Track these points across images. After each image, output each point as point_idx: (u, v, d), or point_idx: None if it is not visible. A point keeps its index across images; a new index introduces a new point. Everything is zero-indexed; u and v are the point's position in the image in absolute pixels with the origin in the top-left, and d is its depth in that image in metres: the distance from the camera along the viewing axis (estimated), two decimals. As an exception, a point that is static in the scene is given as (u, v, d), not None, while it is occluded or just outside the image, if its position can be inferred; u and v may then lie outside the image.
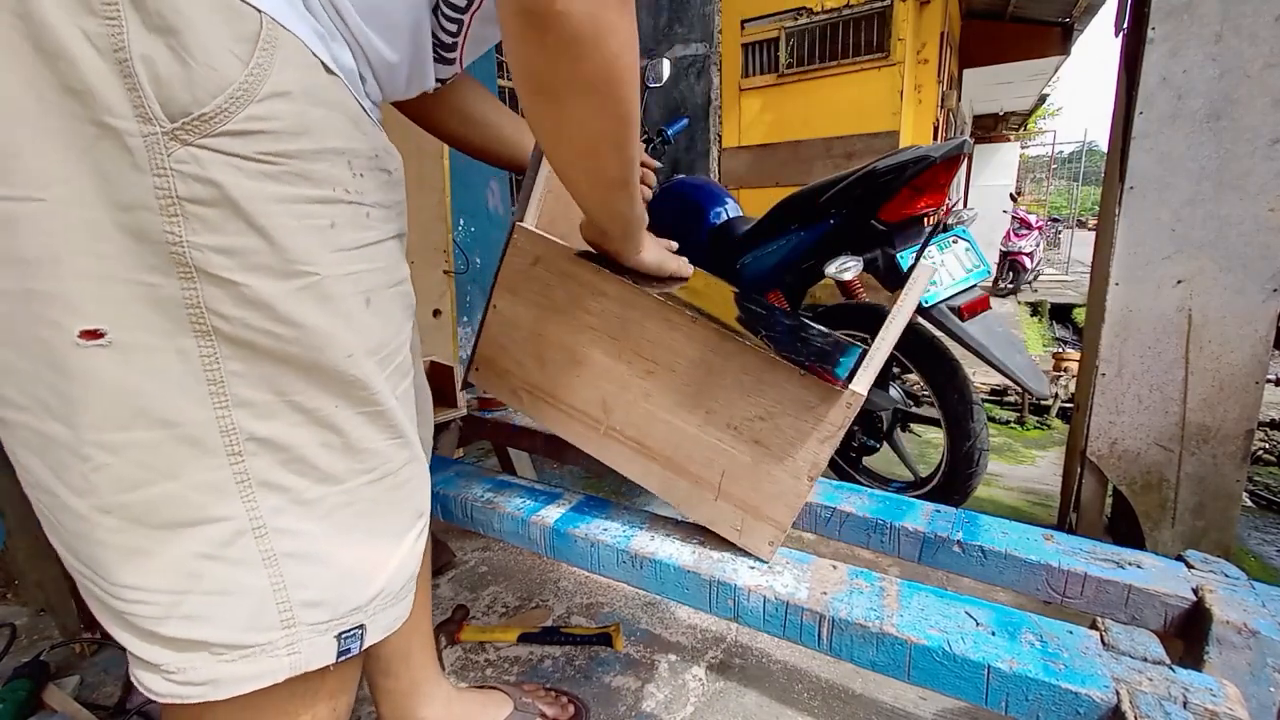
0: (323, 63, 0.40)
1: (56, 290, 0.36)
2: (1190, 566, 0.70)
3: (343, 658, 0.48)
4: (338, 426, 0.45)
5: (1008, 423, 2.42)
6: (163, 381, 0.39)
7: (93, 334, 0.36)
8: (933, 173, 1.40)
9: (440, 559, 1.41)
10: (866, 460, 1.77)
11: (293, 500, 0.44)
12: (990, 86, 8.46)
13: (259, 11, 0.36)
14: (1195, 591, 0.65)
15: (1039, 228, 7.26)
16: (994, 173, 10.28)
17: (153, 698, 0.44)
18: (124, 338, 0.37)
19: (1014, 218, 7.26)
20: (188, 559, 0.41)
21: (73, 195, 0.35)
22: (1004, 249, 7.15)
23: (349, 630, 0.48)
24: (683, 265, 0.74)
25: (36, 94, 0.34)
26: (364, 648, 0.49)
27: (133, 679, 0.45)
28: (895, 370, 1.66)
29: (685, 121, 1.84)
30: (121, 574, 0.41)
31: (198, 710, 0.45)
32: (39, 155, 0.34)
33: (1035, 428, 2.38)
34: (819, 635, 0.64)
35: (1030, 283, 7.36)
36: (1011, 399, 2.64)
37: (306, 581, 0.45)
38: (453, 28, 0.53)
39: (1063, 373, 2.73)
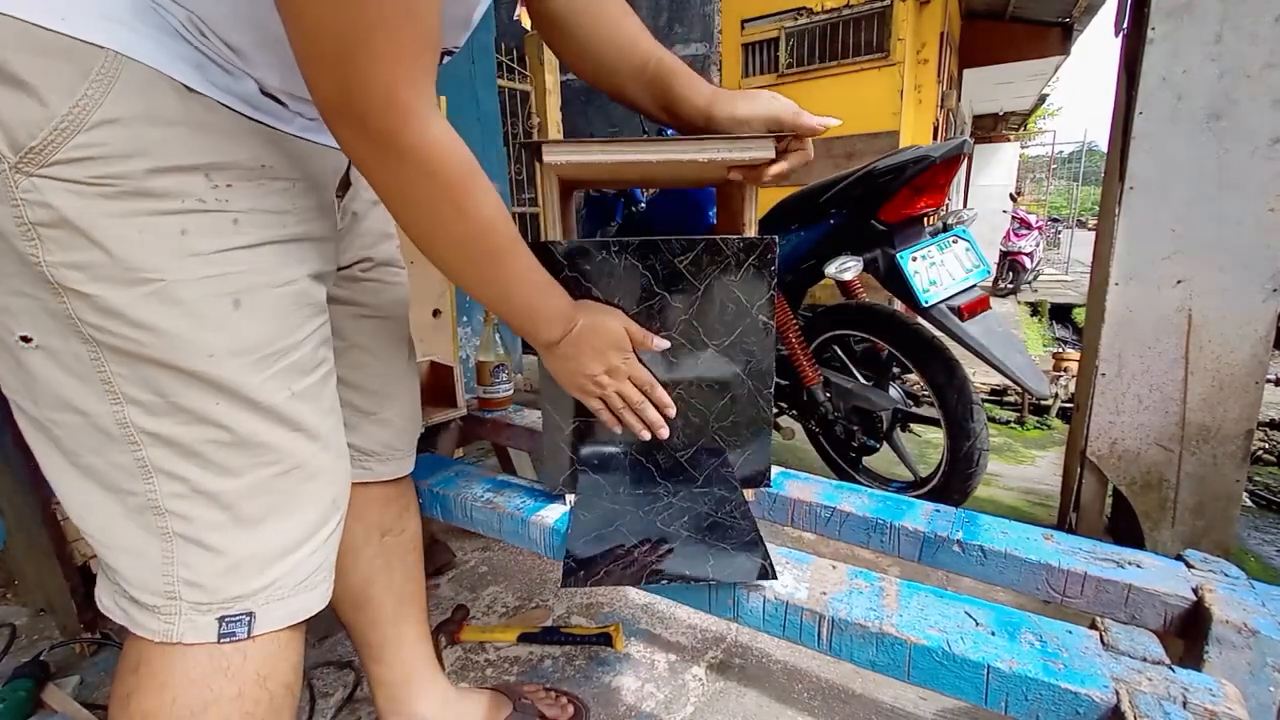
0: (185, 85, 0.44)
1: (5, 304, 0.44)
2: (1190, 566, 0.70)
3: (225, 640, 0.50)
4: (222, 423, 0.48)
5: (1008, 423, 2.42)
6: (73, 378, 0.45)
7: (26, 339, 0.44)
8: (932, 173, 1.40)
9: (440, 559, 1.41)
10: (866, 460, 1.78)
11: (192, 489, 0.48)
12: (990, 86, 8.45)
13: (100, 49, 0.40)
14: (1195, 591, 0.65)
15: (1039, 228, 7.26)
16: (994, 173, 10.28)
17: (99, 606, 0.53)
18: (43, 342, 0.44)
19: (1014, 218, 7.26)
20: (116, 517, 0.48)
21: None
22: (1004, 249, 7.15)
23: (234, 615, 0.50)
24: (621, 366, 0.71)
25: None
26: (253, 634, 0.51)
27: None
28: (895, 370, 1.66)
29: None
30: (87, 521, 0.49)
31: (127, 672, 0.52)
32: None
33: (1035, 428, 2.38)
34: (819, 635, 0.64)
35: (1030, 283, 7.36)
36: (1011, 399, 2.64)
37: (192, 563, 0.49)
38: None
39: (1063, 373, 2.73)
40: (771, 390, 0.80)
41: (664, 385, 0.79)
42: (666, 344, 0.74)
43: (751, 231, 0.76)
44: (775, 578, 0.66)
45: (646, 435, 0.76)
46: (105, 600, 0.52)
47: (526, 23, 3.87)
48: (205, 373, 0.46)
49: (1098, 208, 2.26)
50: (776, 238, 0.75)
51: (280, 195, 0.51)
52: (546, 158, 0.65)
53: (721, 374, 0.79)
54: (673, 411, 0.76)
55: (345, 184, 0.64)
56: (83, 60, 0.40)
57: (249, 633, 0.51)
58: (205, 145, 0.45)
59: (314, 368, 0.55)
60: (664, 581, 0.66)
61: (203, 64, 0.45)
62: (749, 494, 0.85)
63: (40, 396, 0.46)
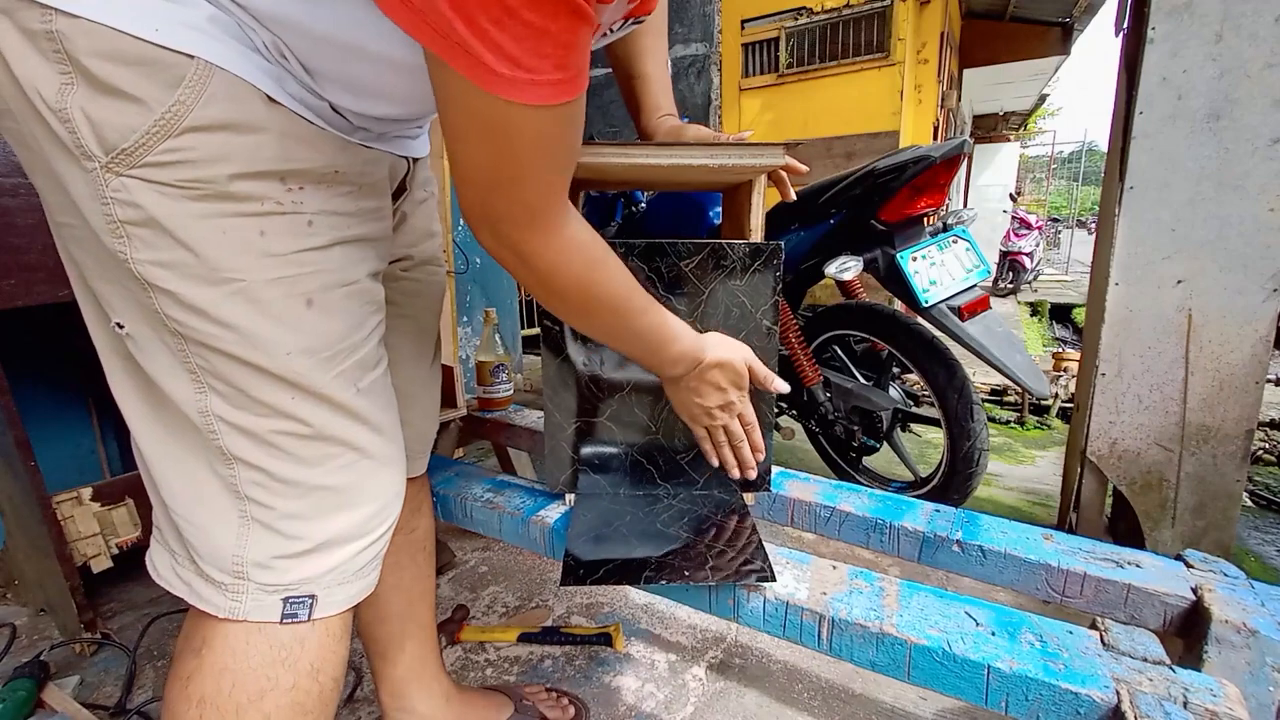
0: (266, 95, 0.45)
1: (97, 288, 0.48)
2: (1190, 566, 0.70)
3: (288, 620, 0.52)
4: (300, 417, 0.50)
5: (1008, 423, 2.42)
6: (164, 367, 0.48)
7: (120, 326, 0.48)
8: (933, 173, 1.39)
9: (440, 559, 1.41)
10: (866, 460, 1.78)
11: (270, 477, 0.50)
12: (990, 86, 8.45)
13: (191, 58, 0.42)
14: (1195, 591, 0.65)
15: (1039, 228, 7.26)
16: (994, 173, 10.28)
17: (153, 575, 0.55)
18: (134, 330, 0.47)
19: (1014, 218, 7.26)
20: (198, 492, 0.51)
21: (81, 222, 0.45)
22: (1004, 249, 7.15)
23: (297, 597, 0.53)
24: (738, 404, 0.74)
25: (42, 146, 0.43)
26: (314, 616, 0.53)
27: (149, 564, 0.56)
28: (895, 370, 1.66)
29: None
30: (167, 481, 0.52)
31: (189, 654, 0.53)
32: (62, 192, 0.44)
33: (1035, 428, 2.38)
34: (819, 635, 0.64)
35: (1030, 283, 7.36)
36: (1011, 399, 2.64)
37: (265, 546, 0.51)
38: None
39: (1063, 373, 2.73)
40: (773, 394, 0.80)
41: (662, 390, 0.79)
42: (787, 387, 0.76)
43: (757, 236, 0.76)
44: (774, 580, 0.66)
45: (736, 474, 0.78)
46: (163, 570, 0.54)
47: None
48: (282, 368, 0.48)
49: (1098, 208, 2.26)
50: (782, 243, 0.76)
51: (346, 198, 0.53)
52: None
53: None
54: (763, 455, 0.78)
55: (401, 188, 0.66)
56: (175, 69, 0.41)
57: (309, 615, 0.53)
58: (285, 151, 0.47)
59: (376, 364, 0.57)
60: (664, 582, 0.66)
61: (282, 78, 0.47)
62: (749, 497, 0.85)
63: (140, 375, 0.49)
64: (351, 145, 0.54)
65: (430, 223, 0.76)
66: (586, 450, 0.82)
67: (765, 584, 0.67)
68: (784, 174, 0.75)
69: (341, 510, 0.54)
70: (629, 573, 0.68)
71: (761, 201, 0.76)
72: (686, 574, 0.67)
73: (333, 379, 0.52)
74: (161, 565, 0.55)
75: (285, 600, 0.52)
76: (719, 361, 0.70)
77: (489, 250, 0.52)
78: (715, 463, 0.78)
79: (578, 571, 0.68)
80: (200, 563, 0.52)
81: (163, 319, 0.46)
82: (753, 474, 0.78)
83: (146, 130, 0.41)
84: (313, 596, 0.53)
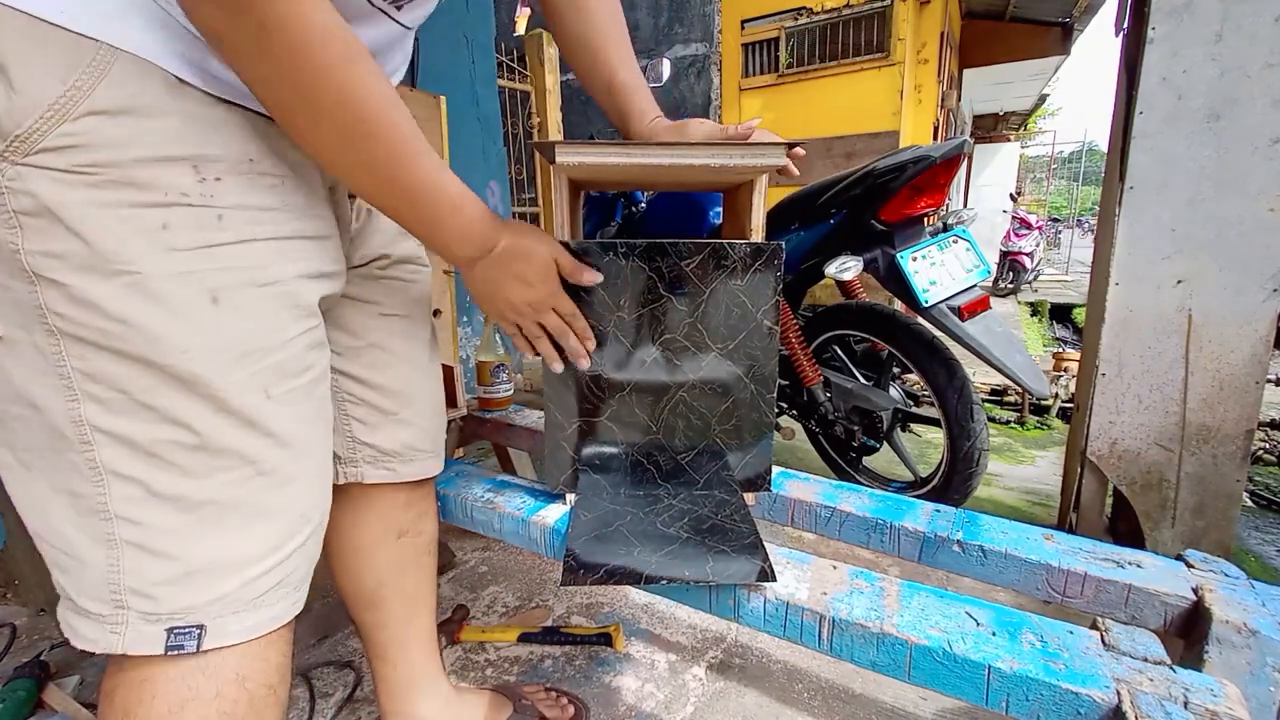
0: (176, 77, 0.44)
1: None
2: (1190, 566, 0.70)
3: (173, 652, 0.48)
4: (189, 424, 0.47)
5: (1008, 423, 2.42)
6: (33, 372, 0.44)
7: None
8: (932, 173, 1.40)
9: (440, 559, 1.41)
10: (866, 460, 1.78)
11: (147, 492, 0.46)
12: (990, 86, 8.46)
13: (94, 41, 0.40)
14: (1195, 591, 0.65)
15: (1039, 228, 7.26)
16: (994, 173, 10.29)
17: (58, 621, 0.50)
18: (7, 333, 0.44)
19: (1014, 218, 7.26)
20: (61, 520, 0.47)
21: None
22: (1004, 249, 7.15)
23: (183, 627, 0.48)
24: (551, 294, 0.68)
25: None
26: (202, 648, 0.49)
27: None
28: (895, 370, 1.66)
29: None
30: (29, 517, 0.48)
31: (114, 668, 0.51)
32: None
33: (1035, 428, 2.38)
34: (819, 635, 0.64)
35: (1030, 283, 7.37)
36: (1011, 399, 2.64)
37: (141, 570, 0.47)
38: None
39: (1063, 373, 2.73)
40: (774, 395, 0.80)
41: (667, 388, 0.79)
42: (599, 276, 0.71)
43: (758, 236, 0.76)
44: (774, 580, 0.66)
45: (559, 367, 0.72)
46: (59, 612, 0.50)
47: (520, 28, 3.87)
48: (177, 368, 0.45)
49: (1098, 208, 2.26)
50: (783, 243, 0.75)
51: (269, 192, 0.50)
52: (560, 159, 0.65)
53: (724, 377, 0.79)
54: (593, 344, 0.74)
55: None
56: (74, 52, 0.40)
57: (198, 646, 0.49)
58: (193, 137, 0.45)
59: (300, 371, 0.53)
60: (664, 582, 0.66)
61: (197, 53, 0.45)
62: (749, 497, 0.85)
63: (1, 390, 0.45)
64: (277, 134, 0.50)
65: None
66: (587, 450, 0.82)
67: (765, 584, 0.67)
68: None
69: (229, 531, 0.49)
70: (629, 573, 0.68)
71: (762, 201, 0.76)
72: (687, 574, 0.67)
73: (238, 381, 0.48)
74: (59, 607, 0.50)
75: (169, 631, 0.48)
76: (520, 252, 0.62)
77: (216, 26, 0.42)
78: (533, 356, 0.72)
79: (578, 571, 0.68)
80: (76, 598, 0.48)
81: (41, 318, 0.42)
82: (585, 363, 0.74)
83: (41, 115, 0.39)
84: (200, 626, 0.49)
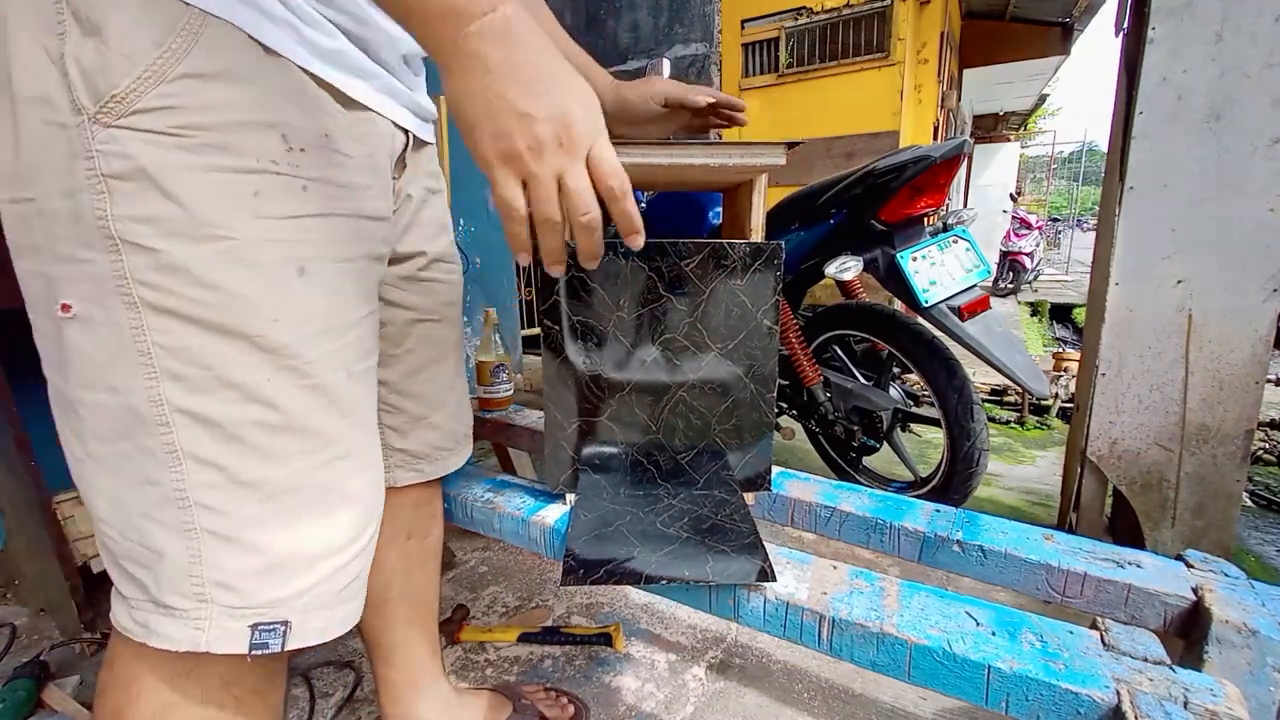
0: (264, 46, 0.44)
1: (49, 271, 0.43)
2: (1190, 566, 0.70)
3: (257, 651, 0.46)
4: (274, 402, 0.45)
5: (1008, 423, 2.42)
6: (109, 351, 0.43)
7: (66, 308, 0.42)
8: (932, 173, 1.40)
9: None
10: (866, 460, 1.78)
11: (228, 479, 0.45)
12: (990, 86, 8.45)
13: (185, 4, 0.41)
14: (1195, 591, 0.65)
15: (1039, 228, 7.26)
16: (994, 173, 10.29)
17: (114, 624, 0.48)
18: (82, 311, 0.42)
19: (1014, 218, 7.26)
20: (136, 513, 0.45)
21: (46, 190, 0.41)
22: (1004, 249, 7.16)
23: (269, 624, 0.46)
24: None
25: (21, 106, 0.40)
26: (286, 648, 0.47)
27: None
28: (895, 370, 1.66)
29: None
30: (99, 510, 0.46)
31: (106, 667, 0.50)
32: (28, 160, 0.41)
33: (1035, 428, 2.38)
34: (819, 635, 0.64)
35: (1030, 283, 7.37)
36: (1011, 399, 2.64)
37: (223, 563, 0.45)
38: None
39: (1063, 373, 2.73)
40: (774, 394, 0.80)
41: (667, 388, 0.78)
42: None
43: (758, 236, 0.76)
44: (775, 580, 0.66)
45: (560, 271, 0.46)
46: (121, 616, 0.47)
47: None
48: (266, 338, 0.44)
49: (1098, 208, 2.26)
50: (782, 243, 0.75)
51: (342, 169, 0.50)
52: None
53: (724, 377, 0.79)
54: (595, 262, 0.47)
55: (401, 165, 0.63)
56: (168, 15, 0.40)
57: (283, 645, 0.47)
58: (281, 105, 0.45)
59: (368, 354, 0.53)
60: (663, 582, 0.66)
61: (285, 23, 0.45)
62: (749, 497, 0.85)
63: (72, 372, 0.43)
64: (349, 114, 0.51)
65: (444, 216, 0.74)
66: (586, 450, 0.82)
67: (765, 584, 0.67)
68: (731, 113, 0.65)
69: (314, 518, 0.48)
70: (629, 573, 0.68)
71: (762, 201, 0.76)
72: (687, 574, 0.67)
73: (323, 356, 0.47)
74: (119, 610, 0.48)
75: (254, 628, 0.46)
76: (530, 42, 0.40)
77: None
78: (522, 255, 0.44)
79: (578, 571, 0.68)
80: (157, 594, 0.45)
81: (122, 290, 0.41)
82: (594, 264, 0.47)
83: (138, 75, 0.39)
84: (286, 623, 0.47)
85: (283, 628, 0.47)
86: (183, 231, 0.41)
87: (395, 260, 0.68)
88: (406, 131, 0.63)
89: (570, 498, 0.85)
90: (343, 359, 0.49)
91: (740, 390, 0.79)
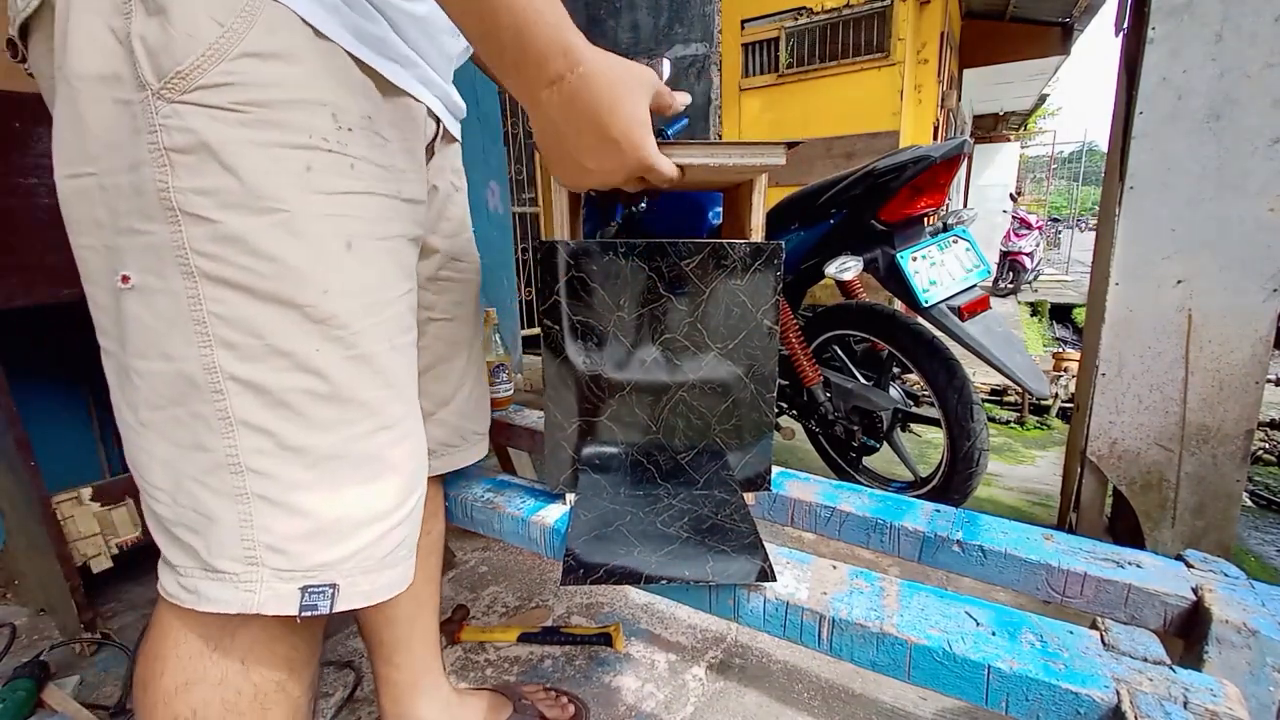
0: (315, 29, 0.45)
1: (110, 243, 0.45)
2: (1190, 566, 0.70)
3: (306, 612, 0.47)
4: (322, 372, 0.47)
5: (1008, 423, 2.42)
6: (165, 320, 0.44)
7: (125, 279, 0.44)
8: (932, 173, 1.40)
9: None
10: (866, 460, 1.78)
11: (277, 445, 0.46)
12: (990, 86, 8.45)
13: None
14: (1195, 591, 0.65)
15: (1039, 228, 7.26)
16: (994, 173, 10.29)
17: (161, 593, 0.49)
18: (140, 281, 0.44)
19: (1014, 218, 7.26)
20: (188, 478, 0.46)
21: (108, 165, 0.43)
22: (1004, 249, 7.15)
23: (318, 586, 0.48)
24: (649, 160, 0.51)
25: (88, 85, 0.42)
26: (335, 609, 0.48)
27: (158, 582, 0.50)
28: (895, 370, 1.66)
29: (685, 122, 1.84)
30: (153, 477, 0.48)
31: (143, 640, 0.51)
32: (94, 136, 0.43)
33: (1035, 428, 2.38)
34: (819, 635, 0.64)
35: (1030, 283, 7.37)
36: (1011, 399, 2.64)
37: (272, 526, 0.46)
38: None
39: (1063, 373, 2.73)
40: (774, 394, 0.80)
41: (667, 388, 0.79)
42: (686, 98, 0.58)
43: (758, 236, 0.76)
44: (774, 580, 0.66)
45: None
46: (169, 584, 0.49)
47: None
48: (317, 308, 0.46)
49: (1098, 208, 2.26)
50: (783, 243, 0.75)
51: (383, 150, 0.52)
52: None
53: (724, 377, 0.79)
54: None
55: (430, 153, 0.65)
56: None
57: (331, 606, 0.48)
58: (331, 86, 0.47)
59: (407, 329, 0.55)
60: (663, 582, 0.66)
61: (334, 9, 0.47)
62: (749, 497, 0.85)
63: (129, 341, 0.45)
64: (390, 99, 0.53)
65: (465, 215, 0.76)
66: (587, 450, 0.82)
67: (766, 584, 0.67)
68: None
69: (358, 484, 0.50)
70: (629, 573, 0.68)
71: (762, 201, 0.76)
72: (687, 574, 0.67)
73: (367, 328, 0.49)
74: (167, 578, 0.49)
75: (304, 590, 0.47)
76: (601, 92, 0.46)
77: None
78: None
79: (578, 571, 0.68)
80: (208, 558, 0.46)
81: (180, 260, 0.43)
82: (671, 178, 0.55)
83: (202, 53, 0.41)
84: (334, 586, 0.48)
85: (331, 590, 0.48)
86: (240, 203, 0.43)
87: (421, 256, 0.70)
88: (438, 121, 0.65)
89: (570, 498, 0.85)
90: (386, 332, 0.51)
91: (740, 390, 0.79)
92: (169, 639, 0.50)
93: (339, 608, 0.49)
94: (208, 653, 0.50)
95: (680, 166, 0.61)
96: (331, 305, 0.46)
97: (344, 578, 0.49)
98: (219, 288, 0.44)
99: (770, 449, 0.83)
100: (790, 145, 0.67)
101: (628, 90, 0.48)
